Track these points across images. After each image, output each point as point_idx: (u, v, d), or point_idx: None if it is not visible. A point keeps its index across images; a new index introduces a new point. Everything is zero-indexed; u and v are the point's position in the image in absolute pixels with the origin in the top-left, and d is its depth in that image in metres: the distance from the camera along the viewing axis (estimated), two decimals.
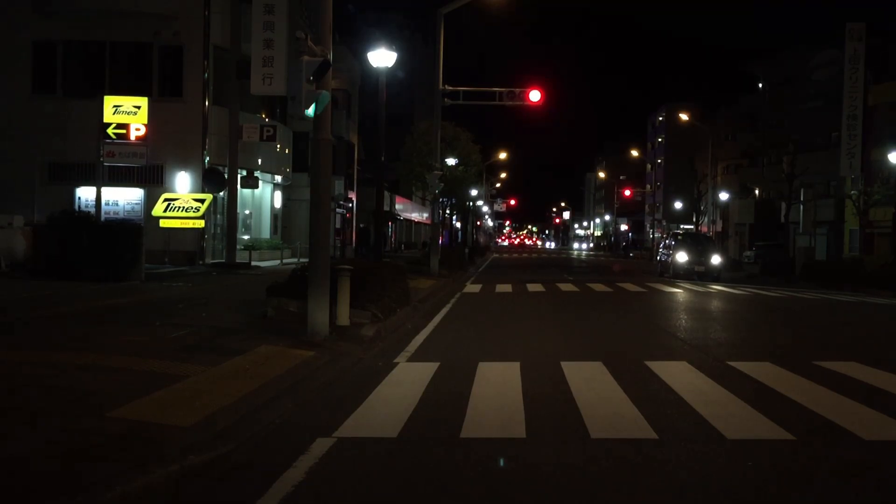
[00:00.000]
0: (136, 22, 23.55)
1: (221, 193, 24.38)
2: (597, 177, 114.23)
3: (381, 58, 19.36)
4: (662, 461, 5.01)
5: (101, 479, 4.15)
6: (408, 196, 55.89)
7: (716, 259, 28.97)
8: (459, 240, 54.91)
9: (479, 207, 68.44)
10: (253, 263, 24.76)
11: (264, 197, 30.39)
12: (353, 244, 31.35)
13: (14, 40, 23.92)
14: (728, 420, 6.00)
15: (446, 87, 25.19)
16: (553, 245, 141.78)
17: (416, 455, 5.14)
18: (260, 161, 27.42)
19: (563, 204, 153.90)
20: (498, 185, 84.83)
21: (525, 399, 6.69)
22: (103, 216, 20.99)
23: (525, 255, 70.00)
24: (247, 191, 26.76)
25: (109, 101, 21.13)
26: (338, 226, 35.67)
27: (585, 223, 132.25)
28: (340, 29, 36.55)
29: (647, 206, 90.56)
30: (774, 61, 46.16)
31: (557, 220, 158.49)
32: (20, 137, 23.56)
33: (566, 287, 22.08)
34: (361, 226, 38.87)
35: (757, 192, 54.03)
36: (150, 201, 23.17)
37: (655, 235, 67.20)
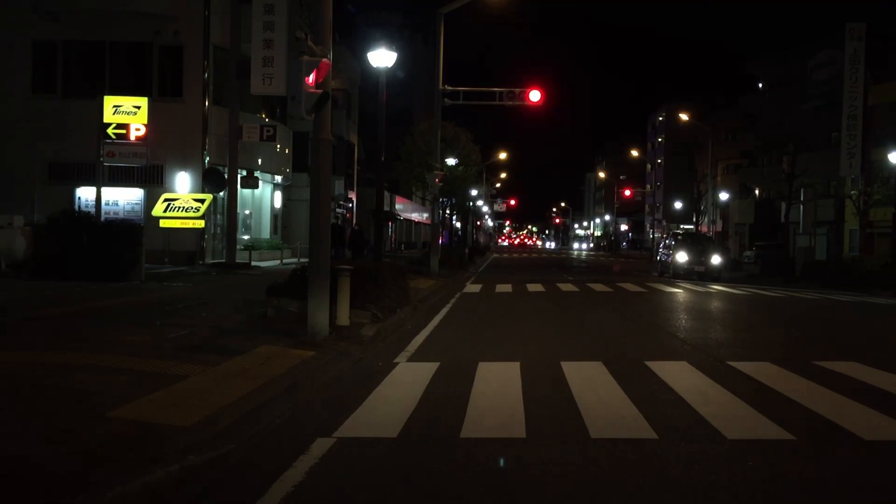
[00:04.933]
0: (136, 22, 23.55)
1: (221, 193, 24.37)
2: (597, 177, 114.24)
3: (381, 58, 19.35)
4: (662, 461, 5.01)
5: (101, 478, 4.15)
6: (408, 196, 55.89)
7: (716, 259, 28.97)
8: (459, 240, 54.89)
9: (479, 207, 68.45)
10: (253, 263, 24.76)
11: (264, 197, 30.39)
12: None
13: (14, 40, 23.93)
14: (728, 420, 6.00)
15: (446, 87, 25.20)
16: (553, 245, 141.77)
17: (416, 455, 5.14)
18: (260, 161, 27.43)
19: (563, 204, 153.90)
20: (498, 185, 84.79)
21: (525, 399, 6.69)
22: (103, 216, 20.98)
23: (525, 255, 70.00)
24: (247, 191, 26.76)
25: (109, 101, 21.13)
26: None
27: (585, 223, 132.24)
28: (340, 29, 36.53)
29: (647, 206, 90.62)
30: (774, 61, 46.14)
31: (557, 220, 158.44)
32: (20, 137, 23.58)
33: (566, 287, 22.08)
34: (336, 222, 36.24)
35: (757, 192, 54.04)
36: (150, 201, 23.18)
37: (655, 235, 67.24)
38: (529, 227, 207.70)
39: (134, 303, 12.81)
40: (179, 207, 21.95)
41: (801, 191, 40.39)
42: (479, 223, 77.19)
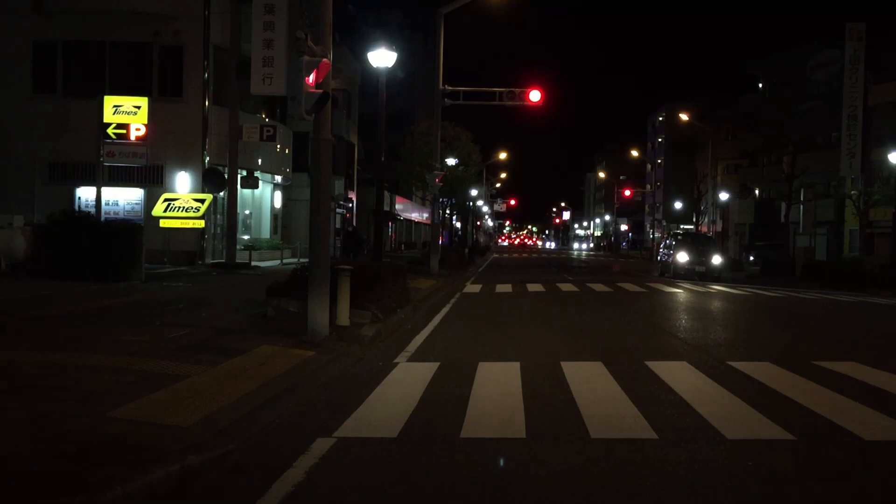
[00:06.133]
0: (136, 22, 23.55)
1: (221, 193, 24.37)
2: (597, 177, 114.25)
3: (381, 58, 19.36)
4: (662, 461, 5.01)
5: (101, 478, 4.15)
6: (408, 196, 55.89)
7: (716, 259, 28.98)
8: (459, 240, 54.91)
9: (479, 207, 68.44)
10: (253, 263, 24.76)
11: (264, 197, 30.39)
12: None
13: (14, 40, 23.92)
14: (728, 420, 6.00)
15: (446, 87, 25.20)
16: (553, 245, 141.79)
17: (416, 455, 5.14)
18: (260, 161, 27.42)
19: (563, 204, 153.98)
20: (498, 185, 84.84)
21: (525, 399, 6.69)
22: (103, 216, 20.96)
23: (525, 255, 69.99)
24: (247, 191, 26.75)
25: (109, 101, 21.11)
26: (338, 226, 35.65)
27: (585, 223, 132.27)
28: (340, 29, 36.55)
29: (647, 206, 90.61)
30: (774, 61, 46.15)
31: (557, 220, 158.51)
32: (20, 137, 23.58)
33: (566, 287, 22.07)
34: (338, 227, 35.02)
35: (757, 192, 54.04)
36: (150, 201, 23.16)
37: (655, 235, 67.26)
38: (529, 227, 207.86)
39: (134, 303, 12.81)
40: (179, 207, 21.92)
41: (801, 191, 40.39)
42: (479, 223, 77.21)
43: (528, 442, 5.42)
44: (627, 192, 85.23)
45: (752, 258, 38.04)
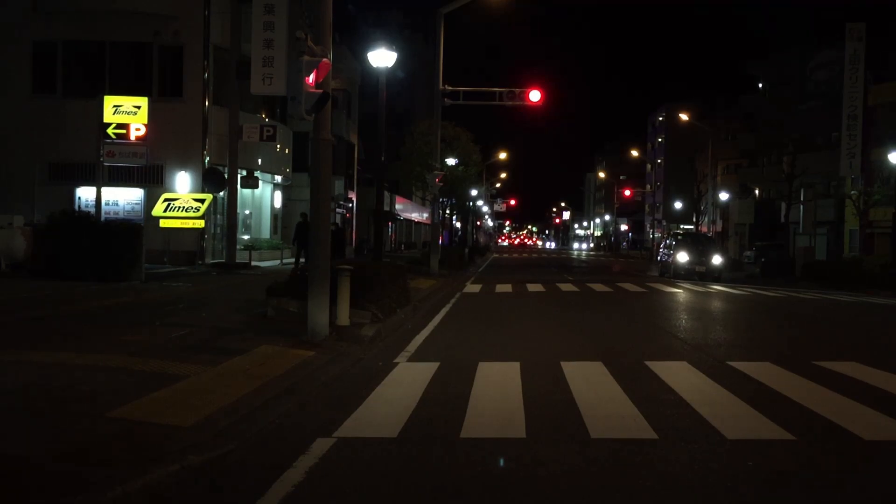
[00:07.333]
0: (136, 22, 23.54)
1: (221, 193, 24.36)
2: (597, 177, 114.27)
3: (381, 58, 19.35)
4: (662, 461, 5.01)
5: (101, 479, 4.15)
6: (408, 196, 55.88)
7: (716, 259, 28.98)
8: (459, 240, 54.89)
9: (479, 207, 68.42)
10: (253, 263, 24.76)
11: (264, 197, 30.39)
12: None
13: (14, 40, 23.91)
14: (728, 420, 6.00)
15: (446, 87, 25.20)
16: (553, 245, 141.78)
17: (416, 455, 5.14)
18: (260, 161, 27.42)
19: (563, 204, 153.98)
20: (498, 185, 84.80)
21: (525, 399, 6.69)
22: (103, 216, 20.94)
23: (525, 255, 70.00)
24: (247, 191, 26.75)
25: (109, 101, 21.09)
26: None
27: (585, 223, 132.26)
28: (340, 29, 36.53)
29: (647, 206, 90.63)
30: (774, 61, 46.12)
31: (557, 220, 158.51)
32: (20, 137, 23.57)
33: (566, 287, 22.07)
34: (304, 220, 30.88)
35: (757, 192, 54.03)
36: (150, 201, 23.15)
37: (655, 235, 67.25)
38: (529, 227, 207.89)
39: (134, 303, 12.81)
40: (179, 207, 21.90)
41: (801, 191, 40.40)
42: (479, 223, 77.19)
43: (528, 442, 5.42)
44: (627, 192, 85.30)
45: (762, 259, 38.04)
